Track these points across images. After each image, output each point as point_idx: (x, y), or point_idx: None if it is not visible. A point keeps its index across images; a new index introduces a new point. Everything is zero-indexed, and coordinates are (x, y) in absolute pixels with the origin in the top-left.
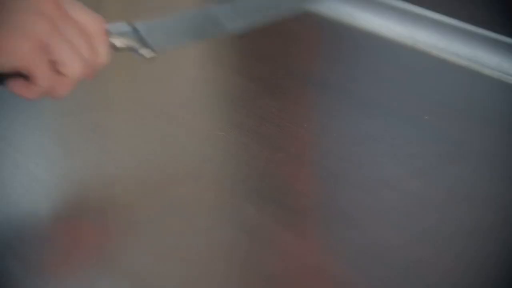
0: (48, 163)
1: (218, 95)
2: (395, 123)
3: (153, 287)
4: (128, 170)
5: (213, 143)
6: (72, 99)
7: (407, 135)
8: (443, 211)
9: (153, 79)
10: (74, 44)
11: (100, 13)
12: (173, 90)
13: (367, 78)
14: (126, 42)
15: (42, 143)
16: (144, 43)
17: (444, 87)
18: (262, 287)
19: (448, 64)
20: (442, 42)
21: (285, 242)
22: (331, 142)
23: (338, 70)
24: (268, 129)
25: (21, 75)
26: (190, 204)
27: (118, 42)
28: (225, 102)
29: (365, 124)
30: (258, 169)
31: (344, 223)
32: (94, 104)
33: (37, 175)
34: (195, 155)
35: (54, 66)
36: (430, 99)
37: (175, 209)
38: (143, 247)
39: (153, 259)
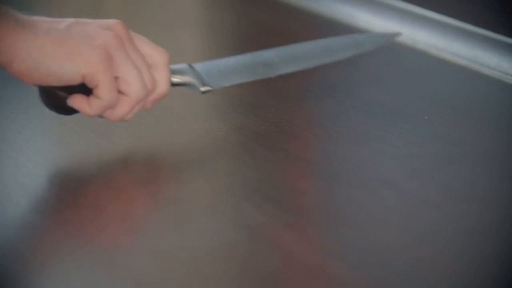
0: (47, 163)
1: (218, 96)
2: (395, 123)
3: (152, 286)
4: (127, 170)
5: (213, 143)
6: None
7: (406, 135)
8: (443, 211)
9: None
10: (138, 67)
11: (101, 11)
12: (173, 90)
13: (366, 78)
14: (185, 79)
15: (42, 143)
16: (201, 80)
17: (443, 86)
18: (261, 287)
19: (447, 64)
20: (441, 42)
21: (284, 242)
22: (330, 142)
23: (338, 70)
24: (268, 129)
25: (82, 90)
26: (190, 203)
27: (177, 79)
28: (225, 102)
29: (365, 124)
30: (258, 169)
31: (344, 223)
32: None
33: (36, 175)
34: (195, 155)
35: (117, 83)
36: (430, 98)
37: (175, 209)
38: (142, 246)
39: (152, 258)
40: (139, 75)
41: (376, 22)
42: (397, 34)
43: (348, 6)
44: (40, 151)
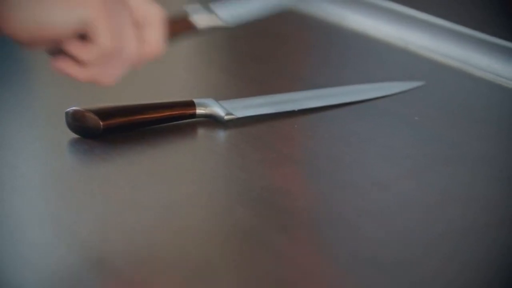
0: (42, 167)
1: (209, 96)
2: (386, 124)
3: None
4: (119, 170)
5: (204, 145)
6: (65, 104)
7: (397, 136)
8: (435, 212)
9: (145, 80)
10: (120, 20)
11: None
12: (164, 91)
13: (357, 79)
14: (209, 111)
15: (36, 147)
16: (225, 111)
17: (434, 88)
18: None
19: (438, 65)
20: (432, 43)
21: (277, 244)
22: (322, 143)
23: (329, 71)
24: (259, 130)
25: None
26: (182, 206)
27: (202, 110)
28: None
29: (357, 125)
30: (250, 170)
31: (336, 224)
32: None
33: (30, 177)
34: (186, 156)
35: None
36: (421, 100)
37: (167, 211)
38: (135, 248)
39: (145, 260)
40: (133, 31)
41: (367, 23)
42: (420, 84)
43: (339, 7)
44: (34, 154)
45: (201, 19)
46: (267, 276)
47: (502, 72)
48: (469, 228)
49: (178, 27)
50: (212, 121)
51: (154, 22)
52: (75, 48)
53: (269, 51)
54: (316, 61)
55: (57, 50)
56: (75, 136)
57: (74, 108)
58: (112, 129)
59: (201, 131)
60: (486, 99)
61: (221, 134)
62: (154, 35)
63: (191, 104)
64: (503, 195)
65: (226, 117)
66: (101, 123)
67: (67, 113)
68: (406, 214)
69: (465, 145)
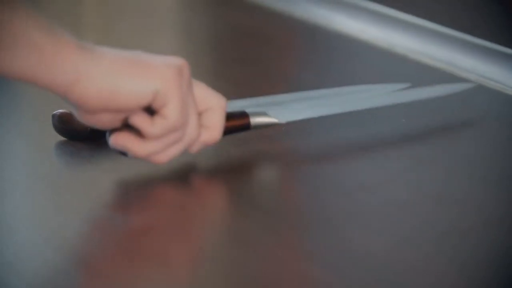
0: (29, 169)
1: None
2: (372, 126)
3: None
4: (106, 173)
5: None
6: (51, 106)
7: (384, 138)
8: (421, 214)
9: None
10: (188, 106)
11: (81, 16)
12: None
13: (343, 81)
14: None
15: (23, 149)
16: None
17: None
18: None
19: (424, 67)
20: (418, 45)
21: (265, 246)
22: (309, 146)
23: (315, 73)
24: (246, 133)
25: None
26: (170, 208)
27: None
28: None
29: (343, 127)
30: (237, 173)
31: (323, 227)
32: None
33: (17, 180)
34: (174, 159)
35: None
36: (407, 101)
37: (154, 212)
38: (122, 250)
39: (133, 262)
40: (184, 111)
41: (352, 25)
42: (406, 86)
43: (323, 9)
44: (22, 157)
45: (257, 119)
46: (253, 278)
47: (487, 73)
48: (455, 229)
49: (235, 123)
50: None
51: (217, 110)
52: (142, 121)
53: (255, 53)
54: (302, 63)
55: (118, 125)
56: (61, 138)
57: (60, 110)
58: (99, 132)
59: None
60: (472, 101)
61: None
62: (215, 121)
63: None
64: (489, 196)
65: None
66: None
67: (53, 116)
68: (392, 216)
69: (451, 146)
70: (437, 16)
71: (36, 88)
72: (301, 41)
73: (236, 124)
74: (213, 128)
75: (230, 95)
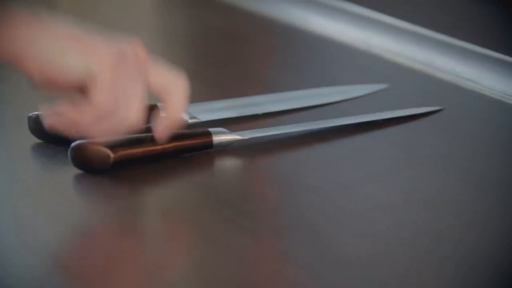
0: (5, 172)
1: None
2: (350, 127)
3: None
4: (83, 175)
5: None
6: (27, 108)
7: (362, 139)
8: (400, 215)
9: None
10: (127, 90)
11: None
12: None
13: (320, 82)
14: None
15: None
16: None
17: (398, 91)
18: None
19: (402, 68)
20: (396, 46)
21: (241, 247)
22: (286, 147)
23: (292, 74)
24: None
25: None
26: (147, 208)
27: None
28: None
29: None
30: (214, 173)
31: (301, 228)
32: None
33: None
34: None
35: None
36: (384, 102)
37: (129, 215)
38: (103, 254)
39: (106, 262)
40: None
41: (330, 26)
42: (383, 87)
43: (302, 10)
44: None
45: (220, 138)
46: (230, 279)
47: (465, 74)
48: (433, 230)
49: (197, 141)
50: None
51: (177, 92)
52: (70, 110)
53: (232, 54)
54: (279, 64)
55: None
56: (38, 141)
57: (37, 112)
58: None
59: None
60: (450, 101)
61: None
62: (175, 103)
63: (154, 108)
64: (468, 197)
65: (190, 121)
66: None
67: (29, 118)
68: (370, 217)
69: (429, 147)
70: (415, 17)
71: (12, 90)
72: (278, 42)
73: (198, 142)
74: (174, 110)
75: (207, 97)
